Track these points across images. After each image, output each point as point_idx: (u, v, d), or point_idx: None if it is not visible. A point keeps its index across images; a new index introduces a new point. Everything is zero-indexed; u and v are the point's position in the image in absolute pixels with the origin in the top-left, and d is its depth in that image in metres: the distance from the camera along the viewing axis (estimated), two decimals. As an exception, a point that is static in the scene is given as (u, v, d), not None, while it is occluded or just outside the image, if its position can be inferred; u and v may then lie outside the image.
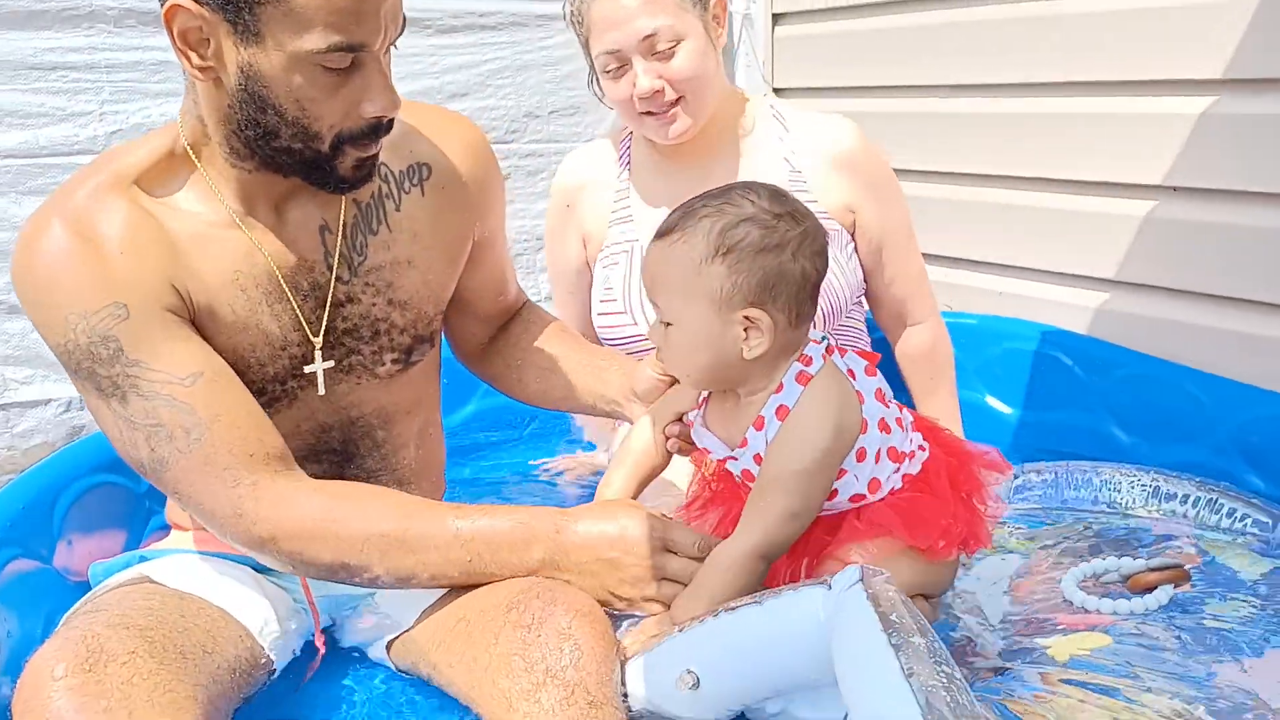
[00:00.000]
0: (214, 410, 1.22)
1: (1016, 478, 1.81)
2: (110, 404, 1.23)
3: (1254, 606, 1.35)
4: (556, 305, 2.02)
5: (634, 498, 1.48)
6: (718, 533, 1.30)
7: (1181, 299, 2.11)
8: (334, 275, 1.33)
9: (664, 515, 1.30)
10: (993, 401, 2.24)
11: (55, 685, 1.04)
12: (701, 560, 1.23)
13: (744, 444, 1.25)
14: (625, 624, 1.26)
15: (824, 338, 1.26)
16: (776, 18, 3.02)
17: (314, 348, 1.32)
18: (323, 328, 1.33)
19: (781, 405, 1.21)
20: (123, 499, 1.77)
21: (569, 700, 1.08)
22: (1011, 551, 1.59)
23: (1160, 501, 1.67)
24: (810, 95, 2.95)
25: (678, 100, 1.70)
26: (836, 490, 1.24)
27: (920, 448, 1.29)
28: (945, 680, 0.92)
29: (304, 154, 1.22)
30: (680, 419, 1.36)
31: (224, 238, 1.28)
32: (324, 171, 1.24)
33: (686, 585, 1.22)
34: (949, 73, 2.52)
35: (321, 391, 1.34)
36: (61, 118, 2.41)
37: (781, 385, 1.22)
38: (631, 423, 1.47)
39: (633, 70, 1.69)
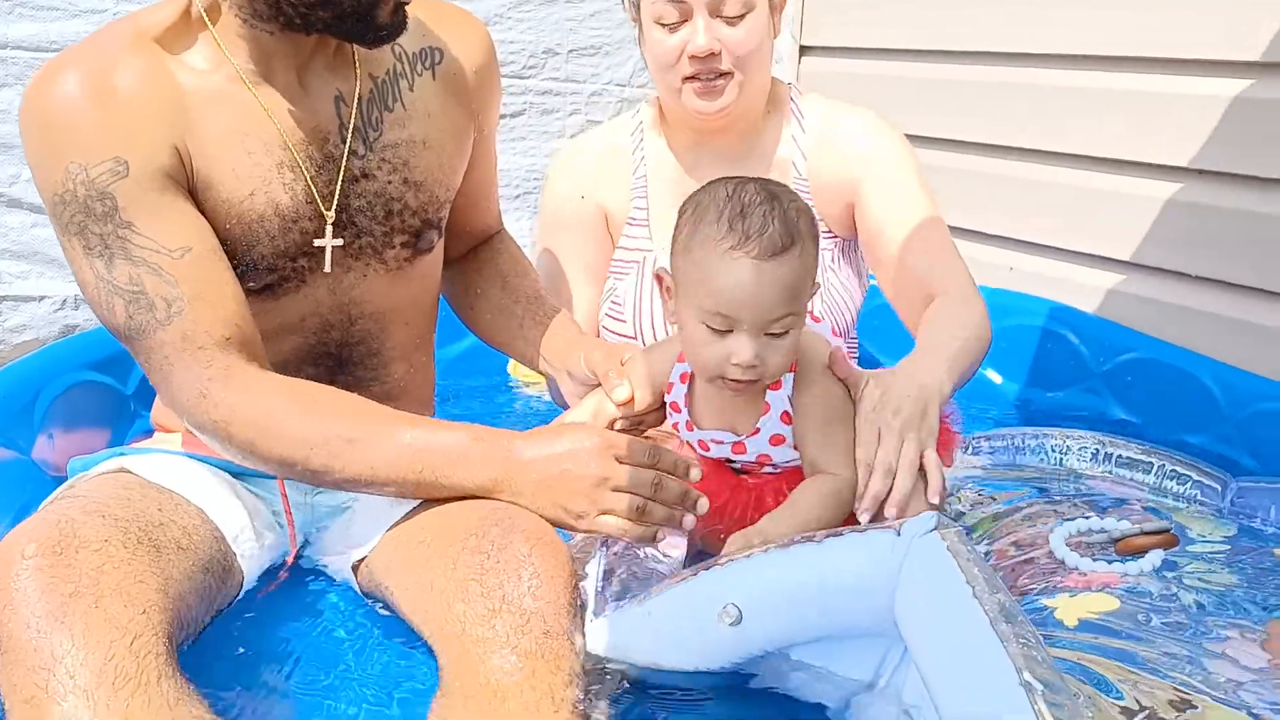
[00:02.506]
0: (198, 287, 1.20)
1: (966, 444, 1.78)
2: (95, 264, 1.20)
3: (1239, 570, 1.34)
4: (574, 302, 1.77)
5: None
6: (706, 524, 1.25)
7: (1199, 286, 2.08)
8: (348, 148, 1.31)
9: (625, 432, 1.26)
10: (993, 375, 2.21)
11: (23, 564, 1.02)
12: (652, 468, 1.20)
13: (755, 432, 1.25)
14: (580, 539, 1.23)
15: None
16: (808, -27, 2.96)
17: (326, 222, 1.30)
18: (334, 203, 1.30)
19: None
20: (109, 398, 1.75)
21: (524, 628, 1.05)
22: (963, 513, 1.56)
23: (1112, 466, 1.69)
24: (835, 55, 2.90)
25: (728, 73, 1.59)
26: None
27: None
28: (1032, 639, 0.88)
29: (346, 4, 1.19)
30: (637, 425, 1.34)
31: (233, 97, 1.25)
32: (364, 21, 1.21)
33: (639, 494, 1.19)
34: (974, 39, 2.47)
35: (328, 269, 1.32)
36: (74, 14, 2.37)
37: None
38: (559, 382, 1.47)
39: (692, 25, 1.56)
